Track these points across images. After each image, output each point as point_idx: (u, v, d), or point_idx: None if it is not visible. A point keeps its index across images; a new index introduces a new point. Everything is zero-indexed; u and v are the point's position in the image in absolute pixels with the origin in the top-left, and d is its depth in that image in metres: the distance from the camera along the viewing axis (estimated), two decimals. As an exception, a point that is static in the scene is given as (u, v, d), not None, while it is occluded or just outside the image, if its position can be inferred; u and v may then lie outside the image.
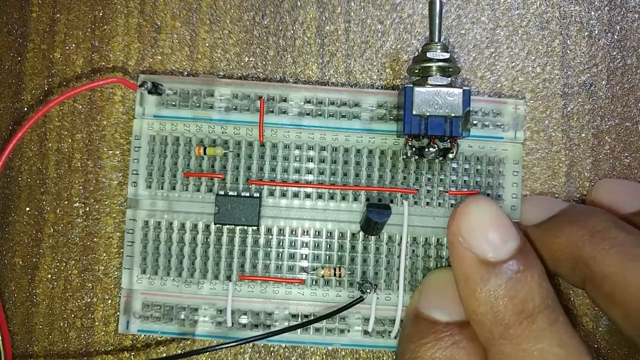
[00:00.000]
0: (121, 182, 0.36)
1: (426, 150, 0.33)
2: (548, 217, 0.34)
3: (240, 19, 0.37)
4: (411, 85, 0.32)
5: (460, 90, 0.32)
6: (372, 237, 0.35)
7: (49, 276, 0.36)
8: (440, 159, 0.34)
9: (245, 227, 0.35)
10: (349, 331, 0.35)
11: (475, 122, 0.35)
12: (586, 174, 0.37)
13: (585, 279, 0.31)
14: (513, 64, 0.37)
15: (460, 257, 0.30)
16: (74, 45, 0.37)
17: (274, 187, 0.35)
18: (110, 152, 0.37)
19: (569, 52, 0.37)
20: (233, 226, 0.35)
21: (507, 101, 0.36)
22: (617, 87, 0.37)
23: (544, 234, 0.33)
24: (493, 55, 0.37)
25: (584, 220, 0.31)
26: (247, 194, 0.35)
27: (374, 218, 0.33)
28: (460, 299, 0.31)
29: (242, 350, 0.36)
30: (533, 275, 0.29)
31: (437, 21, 0.33)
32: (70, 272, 0.36)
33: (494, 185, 0.35)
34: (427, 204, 0.35)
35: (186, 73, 0.37)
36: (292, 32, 0.37)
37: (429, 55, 0.33)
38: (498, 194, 0.35)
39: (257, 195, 0.35)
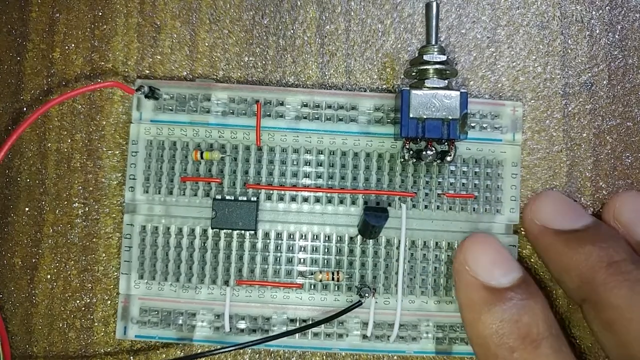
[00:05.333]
0: (120, 182, 0.36)
1: (424, 153, 0.33)
2: (571, 228, 0.33)
3: (240, 18, 0.37)
4: (408, 88, 0.32)
5: (458, 93, 0.32)
6: (370, 240, 0.35)
7: (49, 276, 0.36)
8: (438, 161, 0.34)
9: (243, 232, 0.35)
10: (347, 335, 0.35)
11: (473, 124, 0.35)
12: (587, 174, 0.37)
13: (587, 299, 0.31)
14: (514, 63, 0.37)
15: (466, 284, 0.32)
16: (73, 45, 0.37)
17: (271, 191, 0.35)
18: (110, 152, 0.37)
19: (569, 51, 0.37)
20: (230, 231, 0.35)
21: (505, 103, 0.36)
22: (618, 87, 0.37)
23: (562, 244, 0.33)
24: (494, 55, 0.37)
25: (606, 246, 0.31)
26: (245, 198, 0.35)
27: (372, 221, 0.33)
28: (464, 324, 0.32)
29: (242, 350, 0.36)
30: (537, 302, 0.31)
31: (433, 24, 0.33)
32: (69, 272, 0.36)
33: (492, 187, 0.35)
34: (426, 207, 0.35)
35: (186, 73, 0.37)
36: (292, 31, 0.37)
37: (425, 57, 0.33)
38: (497, 196, 0.35)
39: (255, 199, 0.35)
